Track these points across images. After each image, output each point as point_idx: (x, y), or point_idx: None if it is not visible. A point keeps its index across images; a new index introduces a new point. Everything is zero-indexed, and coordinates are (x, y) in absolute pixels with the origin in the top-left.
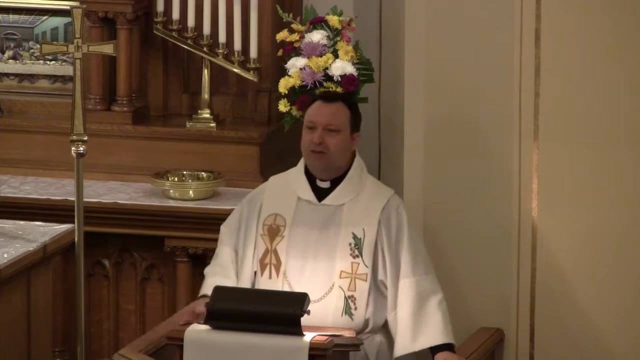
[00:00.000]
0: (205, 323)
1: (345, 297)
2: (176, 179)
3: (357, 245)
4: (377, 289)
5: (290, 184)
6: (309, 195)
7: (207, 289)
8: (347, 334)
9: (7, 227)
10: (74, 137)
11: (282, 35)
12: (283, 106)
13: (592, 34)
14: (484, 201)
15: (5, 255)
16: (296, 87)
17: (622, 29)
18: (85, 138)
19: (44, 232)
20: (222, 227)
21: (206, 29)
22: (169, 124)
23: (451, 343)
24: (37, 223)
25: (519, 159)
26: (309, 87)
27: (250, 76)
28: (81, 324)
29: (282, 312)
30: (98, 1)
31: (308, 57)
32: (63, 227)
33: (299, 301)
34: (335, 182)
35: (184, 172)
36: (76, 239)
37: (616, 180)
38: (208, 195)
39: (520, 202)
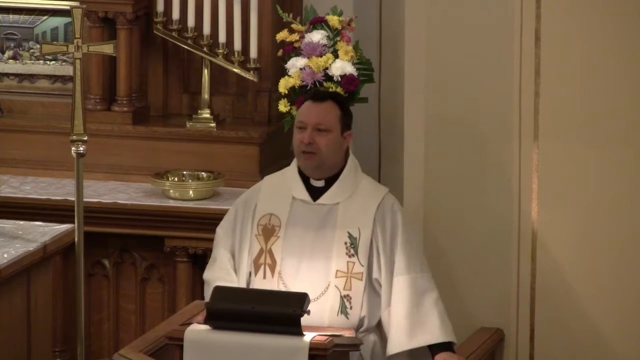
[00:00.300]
0: (205, 323)
1: (341, 296)
2: (176, 179)
3: (352, 245)
4: (372, 287)
5: (285, 184)
6: (304, 194)
7: None
8: (347, 333)
9: (7, 227)
10: (74, 137)
11: (282, 35)
12: (283, 106)
13: (592, 34)
14: (484, 201)
15: (5, 255)
16: (296, 87)
17: (622, 29)
18: (85, 138)
19: (44, 232)
20: (218, 229)
21: (206, 29)
22: (169, 124)
23: (451, 342)
24: (37, 223)
25: (519, 159)
26: (309, 87)
27: (250, 76)
28: (81, 324)
29: (282, 312)
30: (98, 1)
31: (308, 57)
32: (63, 227)
33: (299, 301)
34: (330, 181)
35: (184, 172)
36: (76, 239)
37: (616, 180)
38: (208, 195)
39: (520, 202)
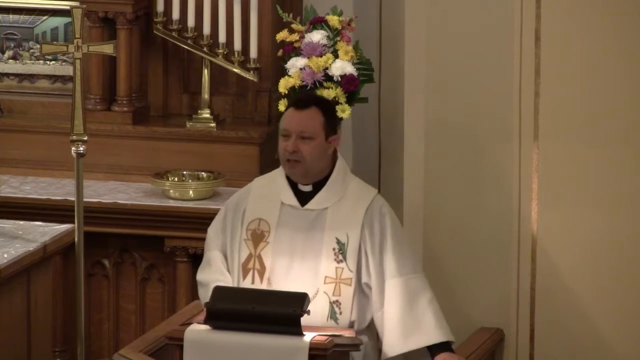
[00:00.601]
0: (205, 323)
1: (330, 302)
2: (176, 179)
3: (341, 250)
4: (362, 291)
5: (274, 188)
6: (292, 200)
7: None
8: (347, 334)
9: (7, 227)
10: (74, 137)
11: (282, 35)
12: (283, 106)
13: (592, 34)
14: (484, 201)
15: (5, 255)
16: (296, 87)
17: (622, 30)
18: (85, 138)
19: (44, 232)
20: (209, 231)
21: (206, 29)
22: (169, 124)
23: (449, 341)
24: (37, 223)
25: (519, 159)
26: (309, 87)
27: (250, 76)
28: (81, 324)
29: (282, 312)
30: (98, 1)
31: (308, 57)
32: (63, 227)
33: (299, 301)
34: (318, 185)
35: (184, 172)
36: (76, 239)
37: (616, 180)
38: (208, 195)
39: (521, 202)
